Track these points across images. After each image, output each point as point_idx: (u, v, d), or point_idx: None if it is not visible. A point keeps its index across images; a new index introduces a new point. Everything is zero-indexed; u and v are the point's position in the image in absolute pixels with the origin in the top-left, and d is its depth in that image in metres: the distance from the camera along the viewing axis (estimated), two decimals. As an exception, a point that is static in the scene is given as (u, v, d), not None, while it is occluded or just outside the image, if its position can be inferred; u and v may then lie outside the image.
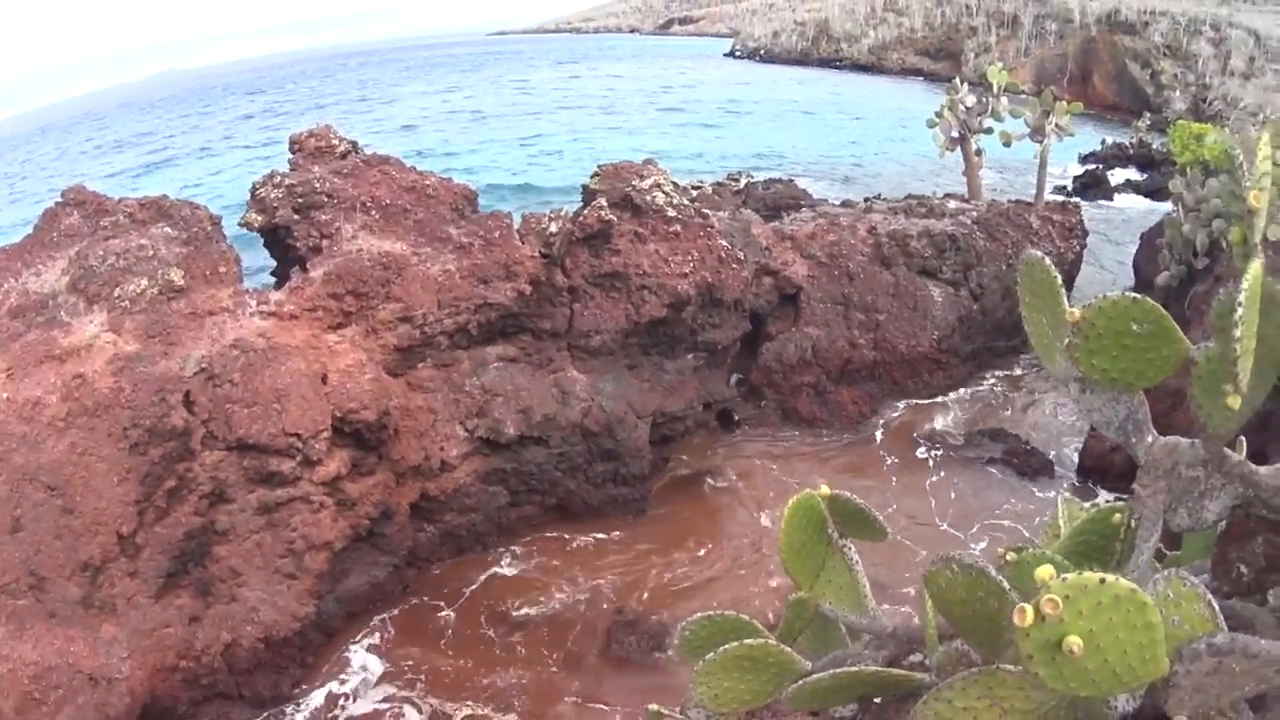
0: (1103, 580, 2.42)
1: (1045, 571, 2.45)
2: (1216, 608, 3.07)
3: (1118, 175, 60.82)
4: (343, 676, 19.67)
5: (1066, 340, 3.37)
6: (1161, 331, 3.25)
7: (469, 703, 18.92)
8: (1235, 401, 2.99)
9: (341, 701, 19.17)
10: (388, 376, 20.71)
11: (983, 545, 22.15)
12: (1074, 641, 2.37)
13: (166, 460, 17.10)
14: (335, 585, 19.93)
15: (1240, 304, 2.79)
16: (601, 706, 18.55)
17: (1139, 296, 3.26)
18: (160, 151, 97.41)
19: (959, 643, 3.71)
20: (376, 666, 19.78)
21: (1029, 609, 2.38)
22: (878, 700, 4.23)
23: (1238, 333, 2.78)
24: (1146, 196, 55.21)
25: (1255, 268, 2.86)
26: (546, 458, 23.02)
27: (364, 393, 19.46)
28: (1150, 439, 3.73)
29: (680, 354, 25.35)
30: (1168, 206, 32.98)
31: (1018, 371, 32.11)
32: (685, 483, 25.66)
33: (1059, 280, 3.64)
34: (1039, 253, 3.80)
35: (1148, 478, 3.67)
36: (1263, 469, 3.57)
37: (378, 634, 20.54)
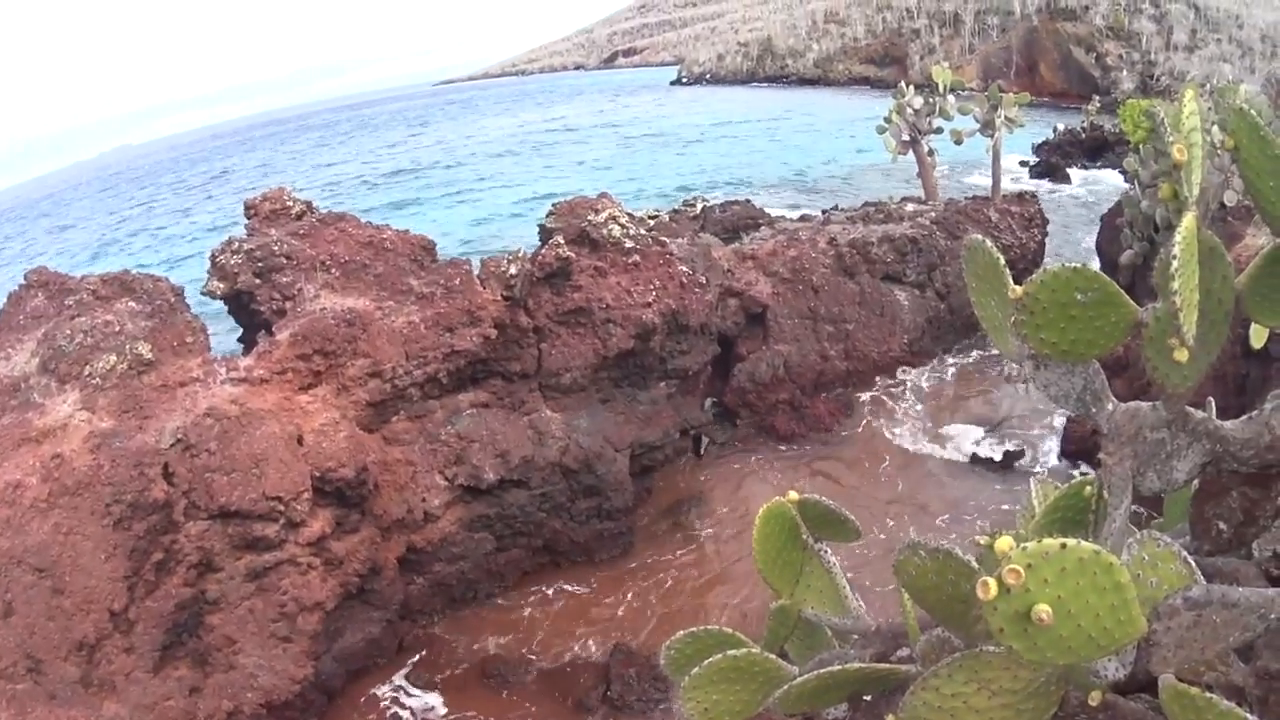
0: (1063, 545, 2.39)
1: (1004, 543, 2.43)
2: (1193, 564, 3.07)
3: (1072, 161, 61.31)
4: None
5: (1013, 318, 3.36)
6: (1107, 298, 3.25)
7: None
8: (1183, 355, 2.98)
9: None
10: (362, 432, 20.66)
11: (968, 537, 22.17)
12: (1042, 609, 2.34)
13: (151, 534, 17.02)
14: (331, 645, 19.82)
15: (1175, 257, 2.78)
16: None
17: (1080, 266, 3.25)
18: (117, 228, 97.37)
19: (940, 630, 3.70)
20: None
21: (992, 582, 2.36)
22: (868, 698, 4.22)
23: (1175, 285, 2.78)
24: (1105, 173, 55.77)
25: (1188, 220, 2.86)
26: (529, 499, 22.93)
27: (340, 450, 19.40)
28: (1111, 407, 3.72)
29: (652, 383, 25.35)
30: (1125, 185, 33.23)
31: (991, 365, 32.16)
32: (670, 511, 25.61)
33: (1001, 261, 3.64)
34: (979, 236, 3.80)
35: (1112, 445, 3.67)
36: (1227, 423, 3.57)
37: (379, 692, 20.44)
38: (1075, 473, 23.81)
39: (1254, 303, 3.30)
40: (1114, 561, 2.44)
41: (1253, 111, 3.01)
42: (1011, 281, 3.51)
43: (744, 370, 29.92)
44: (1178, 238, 2.81)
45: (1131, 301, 3.29)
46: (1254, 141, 3.03)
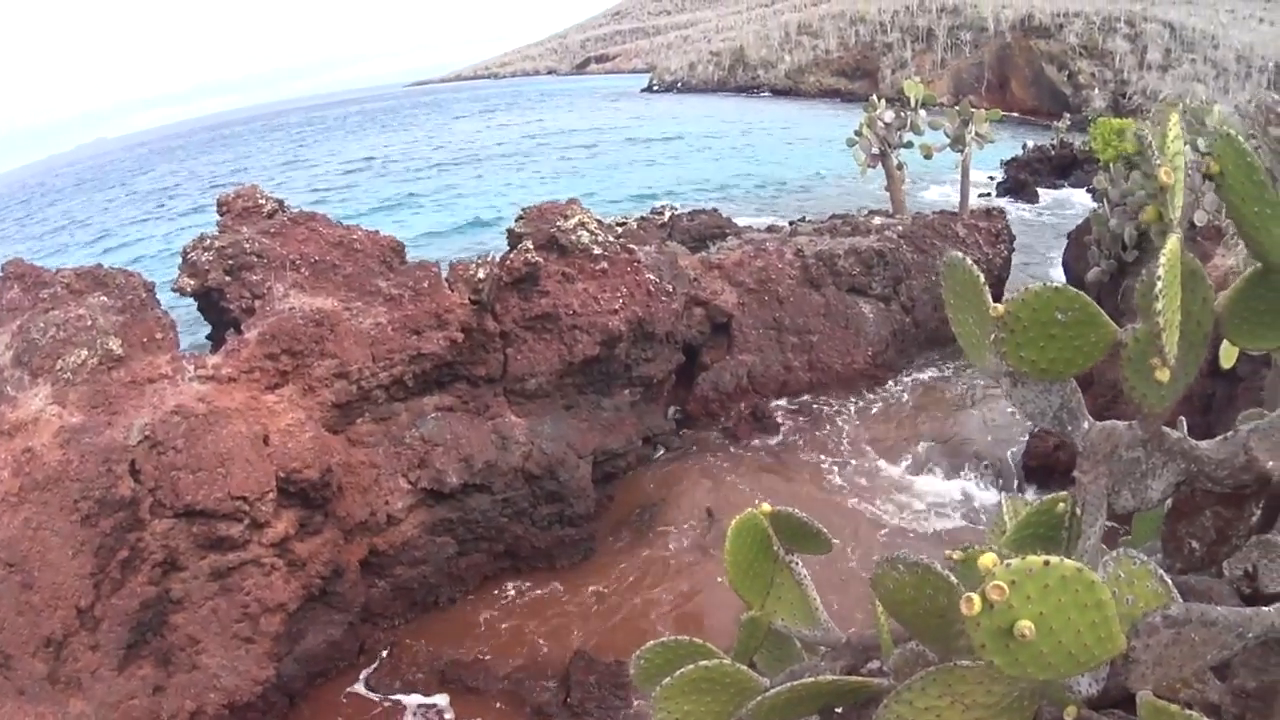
0: (1047, 562, 2.42)
1: (989, 559, 2.45)
2: (1169, 582, 3.09)
3: (1041, 178, 61.51)
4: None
5: (993, 336, 3.39)
6: (1087, 318, 3.27)
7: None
8: (1164, 375, 3.01)
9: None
10: (328, 434, 20.61)
11: (929, 550, 22.24)
12: (1025, 625, 2.37)
13: (117, 531, 16.96)
14: (293, 646, 19.77)
15: (1159, 278, 2.81)
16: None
17: (1061, 285, 3.28)
18: (92, 221, 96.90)
19: (914, 644, 3.72)
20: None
21: (975, 598, 2.38)
22: (839, 710, 4.23)
23: (1159, 305, 2.80)
24: (1073, 193, 56.04)
25: (1172, 243, 2.89)
26: (491, 504, 22.92)
27: (306, 451, 19.36)
28: (1086, 425, 3.75)
29: (616, 391, 25.40)
30: (1092, 204, 33.38)
31: (955, 379, 32.26)
32: (632, 518, 25.57)
33: (981, 278, 3.66)
34: (959, 253, 3.82)
35: (1087, 463, 3.69)
36: (1203, 443, 3.61)
37: (340, 696, 20.37)
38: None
39: (1233, 325, 3.33)
40: (1096, 579, 2.47)
41: (1239, 137, 3.04)
42: (990, 299, 3.54)
43: (708, 379, 30.01)
44: (1162, 259, 2.84)
45: (1111, 321, 3.32)
46: (1239, 167, 3.06)
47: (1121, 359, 3.30)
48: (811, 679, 3.79)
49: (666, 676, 4.12)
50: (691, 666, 4.08)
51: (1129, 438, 3.64)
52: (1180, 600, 3.02)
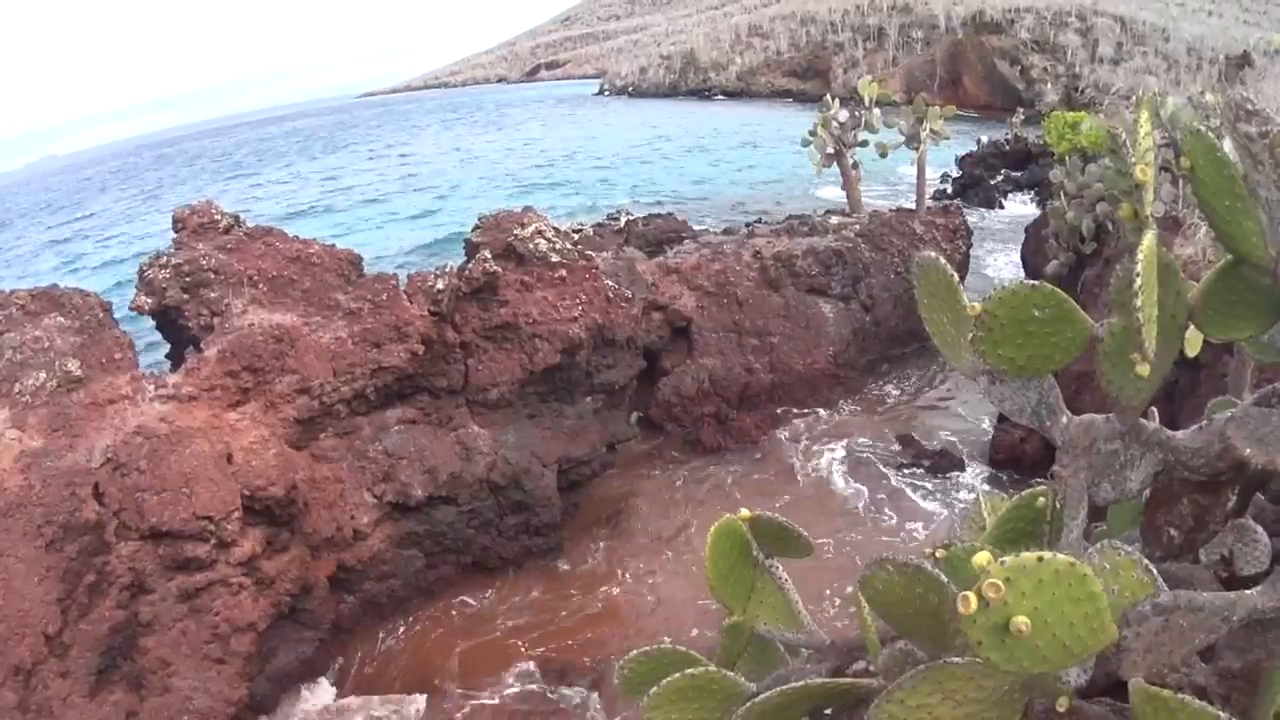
0: (1040, 558, 2.46)
1: (983, 558, 2.48)
2: (1154, 571, 3.14)
3: (995, 173, 61.58)
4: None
5: (970, 335, 3.41)
6: (1063, 314, 3.32)
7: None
8: (1145, 370, 3.05)
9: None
10: (291, 450, 20.49)
11: (903, 547, 22.26)
12: (1021, 621, 2.40)
13: (83, 555, 16.79)
14: (264, 665, 19.61)
15: (1138, 274, 2.85)
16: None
17: (1037, 283, 3.33)
18: (44, 241, 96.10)
19: (903, 643, 3.74)
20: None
21: (971, 596, 2.41)
22: (828, 711, 4.24)
23: (1139, 302, 2.85)
24: (1028, 189, 56.03)
25: (1149, 239, 2.93)
26: (457, 516, 22.84)
27: (270, 468, 19.24)
28: (1065, 420, 3.79)
29: (579, 398, 25.31)
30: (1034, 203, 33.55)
31: (917, 376, 32.36)
32: (598, 525, 25.54)
33: (955, 278, 3.69)
34: (932, 253, 3.85)
35: (1067, 457, 3.74)
36: (1178, 433, 3.66)
37: (307, 709, 20.25)
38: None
39: (1205, 316, 3.38)
40: (1088, 572, 2.52)
41: (1209, 132, 3.08)
42: (965, 298, 3.56)
43: (669, 384, 29.96)
44: (1140, 255, 2.89)
45: (1087, 317, 3.35)
46: (1210, 162, 3.10)
47: (1098, 353, 3.34)
48: (802, 682, 3.82)
49: (651, 686, 4.13)
50: (678, 675, 4.09)
51: (1107, 431, 3.68)
52: (1166, 589, 3.06)
